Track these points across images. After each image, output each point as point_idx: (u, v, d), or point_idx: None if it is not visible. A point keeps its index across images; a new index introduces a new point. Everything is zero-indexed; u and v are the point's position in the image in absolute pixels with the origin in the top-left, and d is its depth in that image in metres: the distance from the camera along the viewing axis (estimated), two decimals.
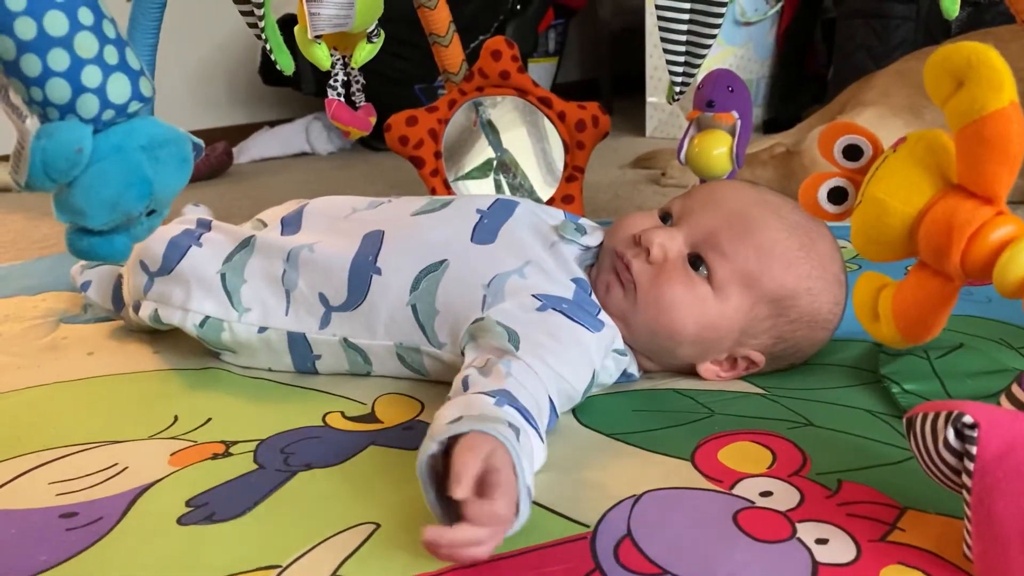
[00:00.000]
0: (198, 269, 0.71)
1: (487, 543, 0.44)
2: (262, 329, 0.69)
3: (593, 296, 0.65)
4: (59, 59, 0.39)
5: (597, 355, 0.62)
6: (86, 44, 0.39)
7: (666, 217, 0.67)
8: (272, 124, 2.24)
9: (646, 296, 0.63)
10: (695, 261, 0.63)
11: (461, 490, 0.43)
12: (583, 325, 0.61)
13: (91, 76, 0.40)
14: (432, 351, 0.65)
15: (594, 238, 0.69)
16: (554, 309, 0.61)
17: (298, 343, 0.69)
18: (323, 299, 0.68)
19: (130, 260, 0.74)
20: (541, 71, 2.43)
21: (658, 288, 0.63)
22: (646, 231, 0.64)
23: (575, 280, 0.65)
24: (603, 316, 0.63)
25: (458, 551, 0.43)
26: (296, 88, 2.12)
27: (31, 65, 0.38)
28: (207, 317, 0.70)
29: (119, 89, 0.41)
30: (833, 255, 0.66)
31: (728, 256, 0.63)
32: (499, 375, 0.55)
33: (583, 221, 0.71)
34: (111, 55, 0.40)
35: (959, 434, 0.40)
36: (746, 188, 0.68)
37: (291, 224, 0.74)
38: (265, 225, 0.77)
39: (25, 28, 0.38)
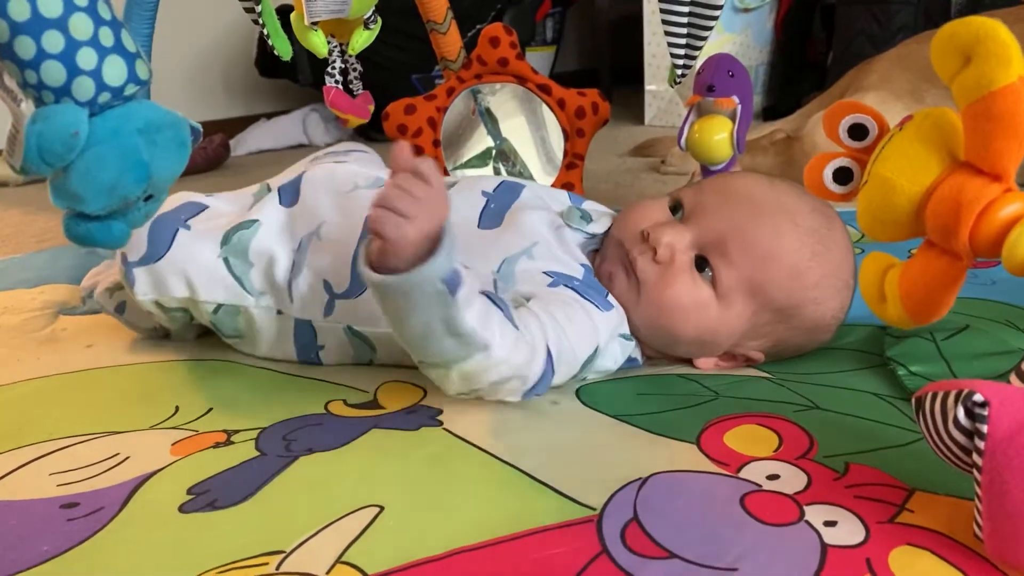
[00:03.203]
0: (194, 255, 0.67)
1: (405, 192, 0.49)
2: (280, 312, 0.69)
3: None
4: (53, 41, 0.38)
5: (603, 333, 0.61)
6: (81, 25, 0.39)
7: (676, 207, 0.66)
8: (269, 116, 2.23)
9: (649, 295, 0.63)
10: (701, 263, 0.62)
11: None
12: (594, 303, 0.61)
13: (86, 58, 0.39)
14: None
15: (600, 224, 0.68)
16: (565, 285, 0.62)
17: (304, 331, 0.68)
18: (327, 286, 0.67)
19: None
20: (538, 60, 2.42)
21: (662, 290, 0.62)
22: (655, 228, 0.63)
23: (582, 265, 0.65)
24: (611, 299, 0.63)
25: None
26: (292, 80, 2.11)
27: (25, 47, 0.38)
28: (220, 304, 0.68)
29: (115, 71, 0.40)
30: (845, 262, 0.64)
31: (735, 264, 0.61)
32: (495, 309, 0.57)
33: (588, 206, 0.70)
34: (106, 37, 0.40)
35: (969, 413, 0.40)
36: (762, 187, 0.64)
37: (289, 193, 0.71)
38: (270, 190, 0.74)
39: (19, 9, 0.37)
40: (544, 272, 0.62)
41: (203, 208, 0.72)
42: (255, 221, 0.69)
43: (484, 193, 0.69)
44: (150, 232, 0.68)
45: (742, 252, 0.61)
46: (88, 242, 0.44)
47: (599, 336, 0.61)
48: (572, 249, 0.66)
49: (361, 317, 0.66)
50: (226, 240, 0.68)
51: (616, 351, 0.64)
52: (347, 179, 0.72)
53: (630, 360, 0.65)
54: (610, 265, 0.65)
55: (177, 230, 0.68)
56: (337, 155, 0.81)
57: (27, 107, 0.39)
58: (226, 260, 0.68)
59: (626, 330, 0.64)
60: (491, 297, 0.55)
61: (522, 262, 0.63)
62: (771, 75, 2.16)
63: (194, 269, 0.68)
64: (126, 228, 0.44)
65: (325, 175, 0.73)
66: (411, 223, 0.49)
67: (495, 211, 0.67)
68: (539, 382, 0.57)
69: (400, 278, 0.49)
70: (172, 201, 0.72)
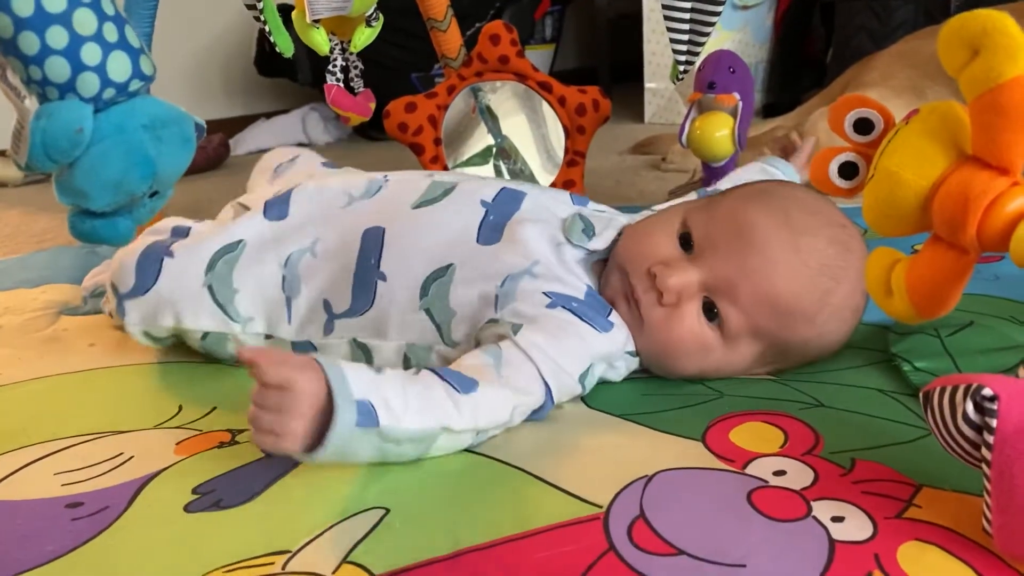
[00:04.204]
0: (180, 283, 0.67)
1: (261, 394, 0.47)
2: (269, 336, 0.68)
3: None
4: (58, 36, 0.38)
5: (599, 352, 0.60)
6: (85, 21, 0.38)
7: (687, 238, 0.62)
8: (268, 115, 2.23)
9: (652, 335, 0.61)
10: (708, 304, 0.60)
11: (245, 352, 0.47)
12: (591, 325, 0.60)
13: (91, 54, 0.39)
14: (444, 350, 0.64)
15: (602, 239, 0.65)
16: (563, 307, 0.60)
17: (304, 351, 0.67)
18: (327, 306, 0.66)
19: (107, 280, 0.71)
20: (538, 59, 2.41)
21: (667, 333, 0.61)
22: (661, 269, 0.60)
23: (584, 284, 0.63)
24: (614, 317, 0.62)
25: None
26: (292, 79, 2.11)
27: (29, 43, 0.37)
28: (207, 332, 0.68)
29: (119, 67, 0.40)
30: (857, 288, 0.61)
31: (744, 311, 0.59)
32: (481, 358, 0.57)
33: (592, 215, 0.67)
34: (110, 32, 0.40)
35: (978, 407, 0.39)
36: (776, 221, 0.60)
37: (277, 207, 0.70)
38: (247, 210, 0.73)
39: (22, 5, 0.37)
40: (544, 292, 0.61)
41: (187, 229, 0.72)
42: (239, 242, 0.68)
43: (483, 203, 0.67)
44: (137, 265, 0.68)
45: (751, 299, 0.59)
46: (93, 239, 0.44)
47: (592, 354, 0.60)
48: (573, 268, 0.64)
49: (366, 331, 0.66)
50: (211, 266, 0.68)
51: (621, 367, 0.63)
52: (341, 193, 0.70)
53: (635, 373, 0.65)
54: (612, 293, 0.63)
55: (162, 260, 0.68)
56: (283, 166, 0.80)
57: (31, 104, 0.39)
58: (210, 287, 0.67)
59: (632, 347, 0.62)
60: (431, 371, 0.54)
61: (525, 281, 0.62)
62: (770, 72, 2.16)
63: (180, 298, 0.67)
64: (131, 224, 0.44)
65: (316, 190, 0.71)
66: (285, 437, 0.47)
67: (494, 223, 0.66)
68: (539, 410, 0.58)
69: (319, 453, 0.47)
70: (158, 228, 0.73)
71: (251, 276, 0.67)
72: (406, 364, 0.66)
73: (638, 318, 0.62)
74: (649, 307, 0.61)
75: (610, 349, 0.61)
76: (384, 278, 0.65)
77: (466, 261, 0.64)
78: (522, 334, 0.58)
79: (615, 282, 0.63)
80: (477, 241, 0.65)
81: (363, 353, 0.67)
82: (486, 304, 0.62)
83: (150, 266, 0.68)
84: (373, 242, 0.66)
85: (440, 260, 0.64)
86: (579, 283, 0.63)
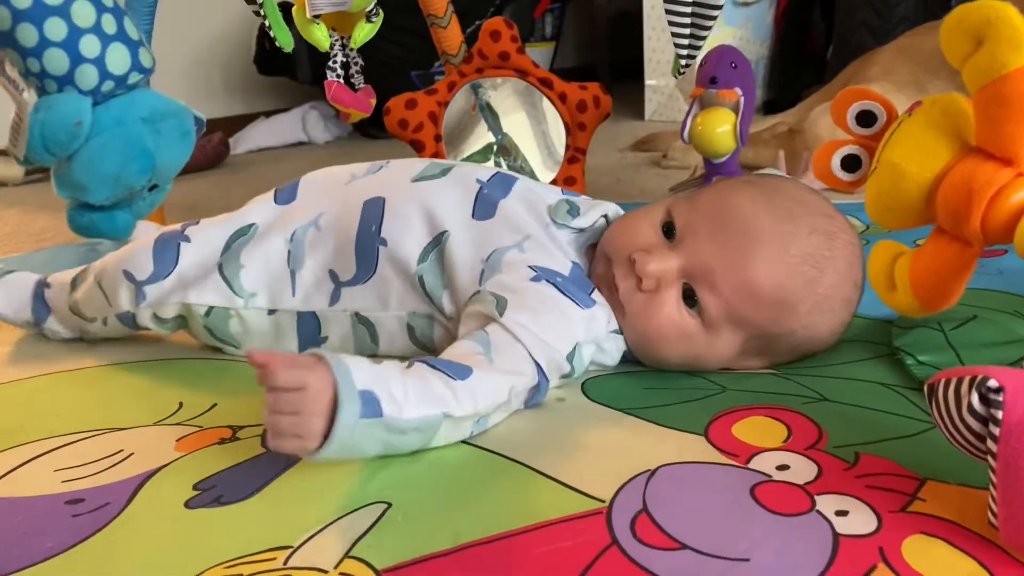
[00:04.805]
0: (197, 265, 0.69)
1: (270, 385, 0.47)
2: (272, 311, 0.69)
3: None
4: (56, 28, 0.37)
5: (582, 330, 0.61)
6: (83, 13, 0.38)
7: (669, 226, 0.62)
8: (268, 114, 2.23)
9: (633, 323, 0.62)
10: (688, 291, 0.60)
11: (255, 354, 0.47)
12: (574, 300, 0.61)
13: (89, 46, 0.38)
14: (443, 320, 0.65)
15: (587, 218, 0.66)
16: (548, 281, 0.61)
17: (307, 323, 0.68)
18: (333, 275, 0.67)
19: (108, 271, 0.71)
20: (537, 56, 2.39)
21: (646, 320, 0.61)
22: (641, 255, 0.60)
23: (572, 262, 0.64)
24: (596, 295, 0.62)
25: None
26: (292, 77, 2.11)
27: (27, 35, 0.37)
28: (211, 307, 0.69)
29: (118, 59, 0.40)
30: (844, 279, 0.60)
31: (723, 297, 0.59)
32: (469, 346, 0.57)
33: (579, 200, 0.69)
34: (109, 24, 0.39)
35: (984, 398, 0.39)
36: (758, 209, 0.60)
37: (286, 192, 0.72)
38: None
39: None
40: (530, 266, 0.62)
41: (196, 222, 0.73)
42: (252, 225, 0.70)
43: (478, 181, 0.69)
44: (153, 252, 0.69)
45: (730, 286, 0.59)
46: (92, 232, 0.44)
47: (575, 333, 0.60)
48: (562, 245, 0.65)
49: (369, 302, 0.67)
50: (227, 248, 0.69)
51: (611, 348, 0.63)
52: (344, 173, 0.73)
53: (633, 365, 0.65)
54: (597, 281, 0.64)
55: (179, 244, 0.70)
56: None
57: (30, 96, 0.39)
58: (219, 265, 0.69)
59: (615, 326, 0.63)
60: (423, 363, 0.54)
61: (511, 253, 0.63)
62: (771, 69, 2.16)
63: (192, 277, 0.69)
64: (130, 218, 0.44)
65: (323, 175, 0.74)
66: (307, 438, 0.47)
67: (488, 199, 0.67)
68: (536, 391, 0.58)
69: (326, 448, 0.47)
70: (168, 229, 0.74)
71: (258, 252, 0.69)
72: (411, 335, 0.67)
73: (619, 305, 0.62)
74: (629, 293, 0.61)
75: (593, 327, 0.61)
76: (385, 243, 0.66)
77: (461, 233, 0.65)
78: (507, 314, 0.58)
79: (599, 270, 0.64)
80: (472, 216, 0.66)
81: (366, 328, 0.67)
82: (472, 280, 0.63)
83: (167, 251, 0.69)
84: (374, 211, 0.67)
85: (437, 228, 0.66)
86: (565, 260, 0.64)
